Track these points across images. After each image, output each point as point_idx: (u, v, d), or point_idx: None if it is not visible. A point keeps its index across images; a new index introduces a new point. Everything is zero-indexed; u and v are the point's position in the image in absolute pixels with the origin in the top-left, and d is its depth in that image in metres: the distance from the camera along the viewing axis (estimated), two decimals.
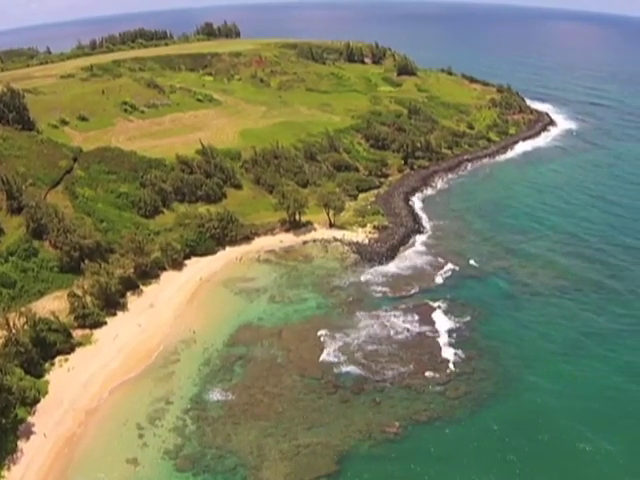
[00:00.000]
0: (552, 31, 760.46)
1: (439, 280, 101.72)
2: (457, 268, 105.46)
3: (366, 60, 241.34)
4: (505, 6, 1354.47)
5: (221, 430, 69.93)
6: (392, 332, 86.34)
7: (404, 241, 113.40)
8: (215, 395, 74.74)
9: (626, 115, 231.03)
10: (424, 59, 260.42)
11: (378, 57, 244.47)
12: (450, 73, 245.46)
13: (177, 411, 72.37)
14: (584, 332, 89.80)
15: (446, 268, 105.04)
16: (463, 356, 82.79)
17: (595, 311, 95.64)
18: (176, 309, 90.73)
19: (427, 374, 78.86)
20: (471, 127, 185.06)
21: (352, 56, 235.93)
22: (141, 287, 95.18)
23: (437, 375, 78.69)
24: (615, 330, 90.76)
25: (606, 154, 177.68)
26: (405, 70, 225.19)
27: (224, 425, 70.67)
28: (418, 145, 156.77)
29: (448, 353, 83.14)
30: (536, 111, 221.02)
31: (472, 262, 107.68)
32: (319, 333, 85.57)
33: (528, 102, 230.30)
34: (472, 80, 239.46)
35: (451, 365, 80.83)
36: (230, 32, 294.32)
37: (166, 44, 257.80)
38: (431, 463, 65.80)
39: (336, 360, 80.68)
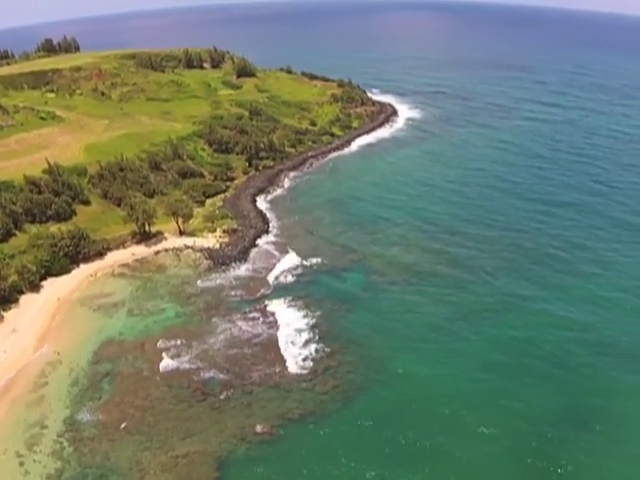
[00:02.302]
0: (391, 21, 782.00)
1: (294, 278, 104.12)
2: (311, 264, 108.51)
3: (205, 65, 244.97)
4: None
5: (98, 449, 69.81)
6: (252, 334, 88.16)
7: (255, 242, 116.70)
8: (87, 415, 74.33)
9: (466, 101, 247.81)
10: (263, 59, 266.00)
11: (217, 61, 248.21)
12: (290, 72, 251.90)
13: (53, 435, 71.33)
14: (445, 316, 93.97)
15: (299, 265, 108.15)
16: (327, 350, 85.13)
17: (453, 294, 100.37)
18: (38, 332, 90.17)
19: (293, 372, 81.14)
20: (314, 124, 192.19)
21: (191, 62, 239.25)
22: (2, 313, 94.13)
23: (304, 372, 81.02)
24: (475, 311, 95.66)
25: (447, 142, 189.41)
26: (244, 72, 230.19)
27: (100, 444, 70.53)
28: (261, 146, 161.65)
29: (312, 349, 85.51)
30: (379, 103, 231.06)
31: (325, 257, 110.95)
32: (181, 342, 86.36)
33: (370, 94, 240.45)
34: (312, 77, 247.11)
35: (316, 360, 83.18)
36: (70, 47, 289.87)
37: (8, 63, 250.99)
38: (308, 460, 67.73)
39: (201, 367, 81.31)
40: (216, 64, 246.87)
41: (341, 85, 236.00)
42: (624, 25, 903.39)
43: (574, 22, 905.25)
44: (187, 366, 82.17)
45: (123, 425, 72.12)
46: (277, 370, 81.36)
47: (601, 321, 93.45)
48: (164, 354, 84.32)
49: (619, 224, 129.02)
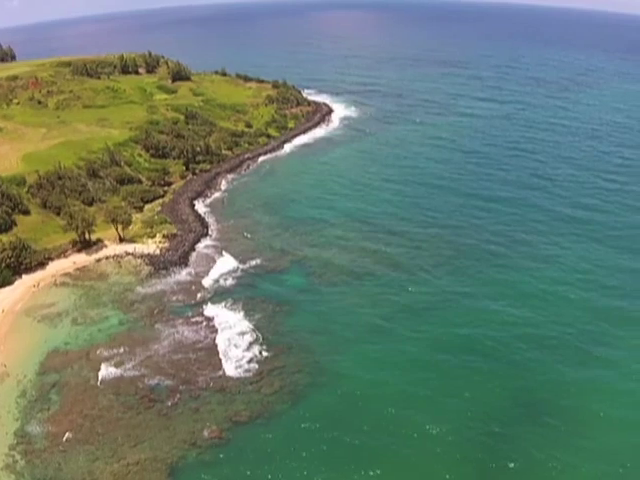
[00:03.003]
0: (326, 21, 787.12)
1: (234, 281, 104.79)
2: (250, 267, 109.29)
3: (140, 70, 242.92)
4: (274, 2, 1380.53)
5: (51, 460, 68.97)
6: (195, 338, 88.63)
7: (194, 247, 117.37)
8: (37, 426, 73.80)
9: (402, 99, 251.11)
10: (198, 63, 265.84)
11: (152, 66, 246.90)
12: (224, 74, 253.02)
13: (4, 448, 70.61)
14: (386, 315, 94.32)
15: (239, 268, 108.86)
16: (271, 352, 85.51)
17: (394, 293, 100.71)
18: None
19: (239, 375, 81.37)
20: (249, 126, 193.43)
21: (127, 68, 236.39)
22: None
23: (249, 374, 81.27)
24: (416, 309, 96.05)
25: (383, 140, 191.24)
26: (179, 76, 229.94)
27: (52, 455, 69.72)
28: (198, 149, 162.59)
29: (255, 351, 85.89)
30: (314, 102, 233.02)
31: (265, 259, 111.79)
32: (126, 349, 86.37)
33: (306, 94, 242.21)
34: (247, 79, 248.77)
35: (261, 362, 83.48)
36: (6, 56, 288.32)
37: None
38: (258, 463, 67.83)
39: (147, 374, 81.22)
40: (151, 69, 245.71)
41: (276, 86, 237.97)
42: (567, 19, 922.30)
43: (514, 17, 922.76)
44: (133, 373, 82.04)
45: (66, 436, 72.26)
46: (222, 374, 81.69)
47: (544, 315, 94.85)
48: (110, 362, 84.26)
49: (558, 217, 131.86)
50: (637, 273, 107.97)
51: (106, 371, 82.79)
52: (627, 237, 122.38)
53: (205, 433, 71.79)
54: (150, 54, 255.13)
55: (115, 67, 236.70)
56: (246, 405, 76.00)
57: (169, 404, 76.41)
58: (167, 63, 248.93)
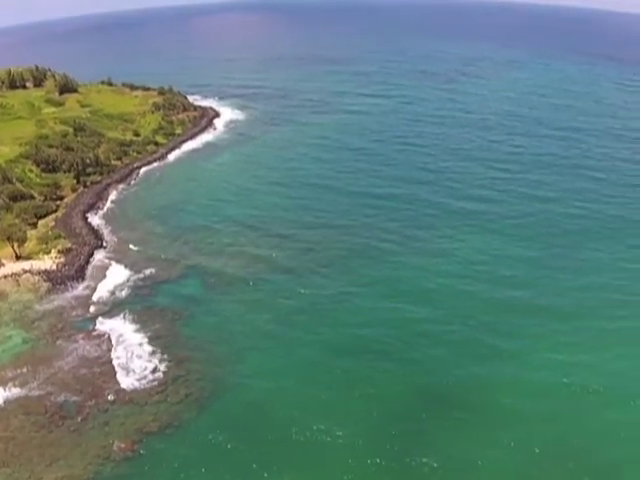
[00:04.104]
0: (212, 25, 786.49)
1: (132, 291, 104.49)
2: (146, 276, 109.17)
3: (28, 85, 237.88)
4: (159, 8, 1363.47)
5: None
6: (98, 352, 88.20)
7: (90, 259, 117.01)
8: None
9: (287, 100, 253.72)
10: (85, 74, 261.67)
11: (39, 80, 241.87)
12: (110, 84, 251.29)
13: None
14: (284, 318, 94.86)
15: (136, 278, 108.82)
16: (174, 361, 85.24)
17: (288, 296, 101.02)
18: None
19: (144, 385, 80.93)
20: (137, 134, 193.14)
21: (14, 83, 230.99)
22: None
23: (154, 384, 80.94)
24: (311, 310, 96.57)
25: (270, 143, 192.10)
26: (67, 88, 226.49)
27: None
28: (88, 161, 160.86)
29: (158, 360, 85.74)
30: (200, 107, 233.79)
31: (160, 268, 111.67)
32: (31, 368, 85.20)
33: (192, 99, 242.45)
34: (133, 87, 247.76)
35: (165, 371, 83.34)
36: None
37: None
38: (172, 473, 67.65)
39: (54, 391, 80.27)
40: (38, 83, 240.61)
41: (162, 93, 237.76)
42: (458, 10, 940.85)
43: (404, 10, 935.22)
44: (40, 392, 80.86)
45: None
46: (128, 385, 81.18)
47: (442, 310, 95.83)
48: (17, 382, 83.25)
49: (451, 210, 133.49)
50: (533, 262, 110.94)
51: (14, 391, 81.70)
52: (521, 226, 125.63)
53: (117, 446, 71.29)
54: (37, 68, 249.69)
55: (3, 82, 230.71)
56: (154, 416, 75.73)
57: (79, 420, 75.70)
58: (54, 76, 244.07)
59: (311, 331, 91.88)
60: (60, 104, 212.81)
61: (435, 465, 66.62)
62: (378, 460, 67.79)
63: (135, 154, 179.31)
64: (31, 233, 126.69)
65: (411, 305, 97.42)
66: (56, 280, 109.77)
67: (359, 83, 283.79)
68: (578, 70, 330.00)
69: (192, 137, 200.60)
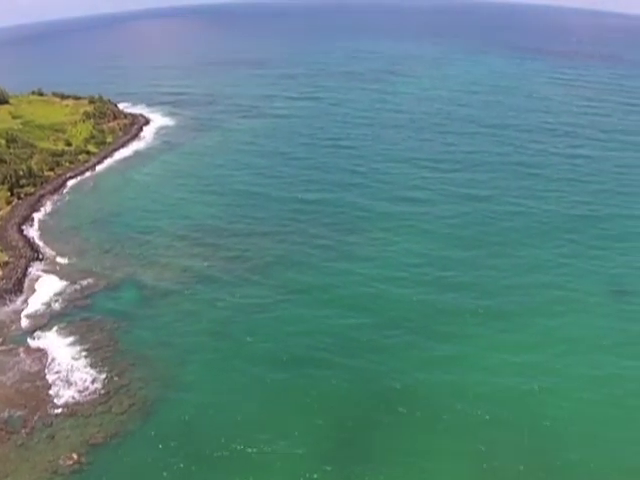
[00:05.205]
0: (138, 32, 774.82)
1: (69, 302, 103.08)
2: (84, 286, 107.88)
3: None
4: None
5: None
6: (39, 366, 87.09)
7: (27, 272, 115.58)
8: None
9: (216, 105, 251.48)
10: (15, 85, 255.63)
11: None
12: (41, 94, 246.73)
13: None
14: (223, 321, 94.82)
15: (73, 289, 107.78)
16: (116, 370, 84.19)
17: (227, 299, 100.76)
18: None
19: (87, 396, 79.90)
20: (69, 144, 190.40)
21: None
22: None
23: (97, 395, 79.98)
24: (251, 312, 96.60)
25: (198, 149, 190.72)
26: None
27: None
28: (21, 173, 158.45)
29: (100, 370, 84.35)
30: (131, 115, 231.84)
31: (97, 277, 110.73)
32: None
33: (122, 107, 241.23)
34: (64, 97, 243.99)
35: (108, 381, 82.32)
36: None
37: None
38: None
39: None
40: None
41: (92, 101, 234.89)
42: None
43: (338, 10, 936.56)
44: None
45: None
46: (71, 397, 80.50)
47: (378, 315, 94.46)
48: None
49: (382, 212, 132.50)
50: (470, 261, 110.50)
51: None
52: (456, 225, 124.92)
53: (65, 460, 70.50)
54: None
55: None
56: (99, 427, 74.48)
57: (25, 434, 74.89)
58: None
59: (251, 333, 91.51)
60: None
61: (380, 475, 66.01)
62: (321, 470, 66.84)
63: (68, 164, 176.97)
64: None
65: (347, 311, 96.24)
66: None
67: (287, 86, 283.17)
68: (509, 65, 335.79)
69: (123, 145, 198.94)
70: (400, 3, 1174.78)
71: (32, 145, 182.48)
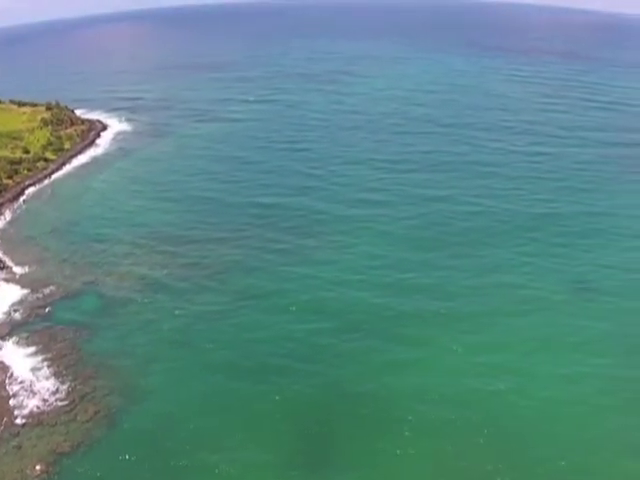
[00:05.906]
0: (91, 39, 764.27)
1: (31, 312, 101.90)
2: (44, 295, 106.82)
3: None
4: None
5: None
6: (1, 377, 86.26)
7: None
8: None
9: (172, 110, 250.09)
10: None
11: None
12: None
13: None
14: (183, 327, 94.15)
15: (34, 298, 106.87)
16: (79, 379, 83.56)
17: (187, 306, 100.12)
18: None
19: (52, 405, 79.51)
20: (27, 151, 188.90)
21: None
22: None
23: (62, 403, 79.40)
24: (211, 319, 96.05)
25: (155, 155, 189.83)
26: None
27: None
28: None
29: (64, 379, 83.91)
30: (88, 121, 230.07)
31: (57, 285, 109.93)
32: None
33: (79, 113, 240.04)
34: (21, 104, 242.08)
35: (71, 390, 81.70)
36: None
37: None
38: None
39: None
40: None
41: (50, 108, 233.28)
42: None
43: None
44: None
45: None
46: (36, 407, 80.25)
47: (338, 319, 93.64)
48: None
49: (340, 215, 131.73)
50: (430, 263, 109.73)
51: None
52: (414, 227, 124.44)
53: (33, 470, 70.46)
54: None
55: None
56: (65, 436, 74.41)
57: None
58: None
59: (207, 348, 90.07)
60: None
61: (346, 478, 65.95)
62: (287, 476, 66.67)
63: (26, 172, 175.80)
64: None
65: (307, 315, 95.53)
66: None
67: (243, 89, 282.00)
68: (467, 63, 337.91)
69: (81, 152, 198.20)
70: (360, 1, 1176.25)
71: None
